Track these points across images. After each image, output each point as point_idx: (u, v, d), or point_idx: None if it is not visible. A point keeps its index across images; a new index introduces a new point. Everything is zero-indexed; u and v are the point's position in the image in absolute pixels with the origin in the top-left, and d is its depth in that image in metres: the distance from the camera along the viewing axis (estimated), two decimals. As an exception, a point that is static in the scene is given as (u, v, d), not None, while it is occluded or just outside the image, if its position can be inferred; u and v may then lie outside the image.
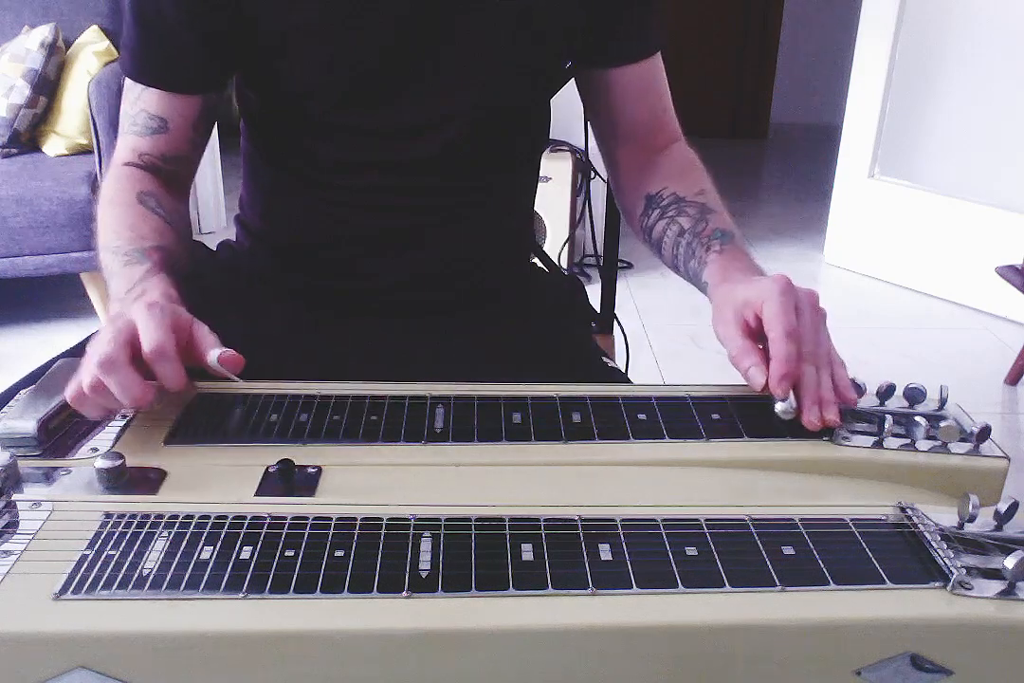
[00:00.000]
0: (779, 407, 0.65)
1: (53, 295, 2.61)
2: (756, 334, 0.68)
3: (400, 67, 0.82)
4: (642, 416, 0.68)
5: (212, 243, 1.02)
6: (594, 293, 1.28)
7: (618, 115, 0.93)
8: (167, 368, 0.63)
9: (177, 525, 0.53)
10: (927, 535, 0.53)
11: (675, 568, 0.50)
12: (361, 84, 0.82)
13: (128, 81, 0.86)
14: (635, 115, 0.93)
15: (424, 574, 0.49)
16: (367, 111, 0.84)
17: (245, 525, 0.53)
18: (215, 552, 0.51)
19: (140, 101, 0.85)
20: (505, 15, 0.82)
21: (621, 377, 0.91)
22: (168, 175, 0.88)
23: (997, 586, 0.50)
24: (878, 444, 0.64)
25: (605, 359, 0.93)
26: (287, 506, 0.55)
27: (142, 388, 0.62)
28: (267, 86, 0.87)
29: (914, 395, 0.68)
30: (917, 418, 0.64)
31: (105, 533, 0.52)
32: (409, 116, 0.84)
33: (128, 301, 0.71)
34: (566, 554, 0.51)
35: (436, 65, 0.82)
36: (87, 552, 0.50)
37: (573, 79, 0.94)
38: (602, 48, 0.89)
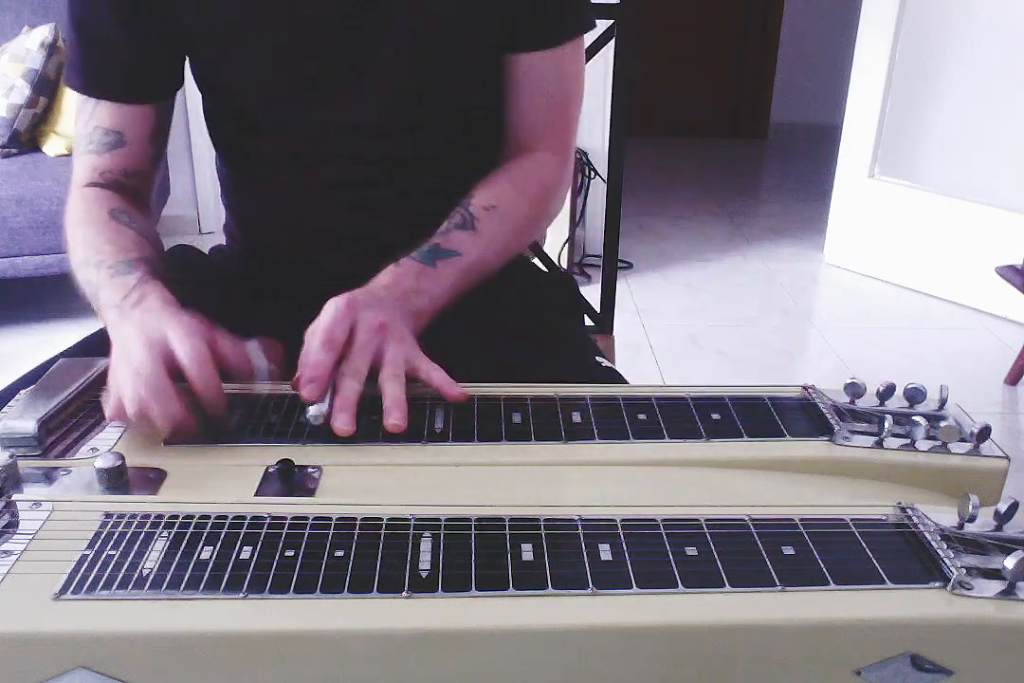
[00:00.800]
0: (310, 411, 0.65)
1: (53, 295, 2.60)
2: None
3: (342, 66, 0.83)
4: (642, 416, 0.68)
5: (213, 243, 1.03)
6: (594, 293, 1.28)
7: (505, 104, 0.90)
8: (212, 398, 0.65)
9: (177, 525, 0.53)
10: (927, 535, 0.53)
11: (675, 568, 0.50)
12: (305, 83, 0.84)
13: (79, 101, 0.87)
14: (516, 107, 0.89)
15: (424, 574, 0.49)
16: (315, 110, 0.85)
17: (245, 525, 0.53)
18: (215, 552, 0.51)
19: (94, 118, 0.86)
20: (444, 10, 0.82)
21: (615, 377, 0.91)
22: (131, 192, 0.89)
23: (997, 586, 0.50)
24: (878, 444, 0.64)
25: (599, 359, 0.93)
26: (287, 506, 0.55)
27: (184, 417, 0.63)
28: (212, 89, 0.88)
29: (914, 395, 0.68)
30: (917, 418, 0.64)
31: (105, 533, 0.52)
32: (357, 115, 0.85)
33: (126, 307, 0.72)
34: (566, 554, 0.51)
35: (378, 64, 0.83)
36: (87, 552, 0.50)
37: None
38: (503, 32, 0.86)
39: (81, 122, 0.87)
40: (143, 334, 0.66)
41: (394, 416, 0.64)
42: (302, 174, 0.89)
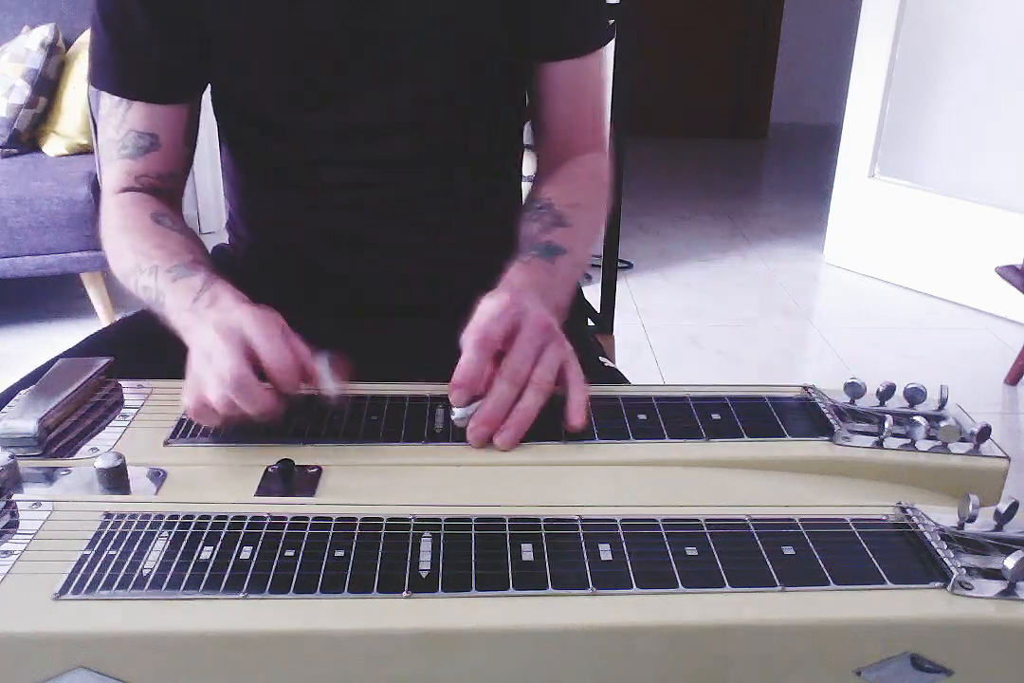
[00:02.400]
0: (455, 413, 0.64)
1: (53, 295, 2.61)
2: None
3: (340, 67, 0.83)
4: (642, 416, 0.68)
5: (212, 243, 1.03)
6: (594, 293, 1.28)
7: (542, 110, 0.92)
8: (288, 380, 0.64)
9: (177, 525, 0.53)
10: (927, 535, 0.53)
11: (675, 568, 0.50)
12: (305, 85, 0.84)
13: (108, 105, 0.86)
14: (557, 113, 0.92)
15: (424, 574, 0.49)
16: (318, 111, 0.85)
17: (245, 525, 0.53)
18: (215, 552, 0.51)
19: (126, 122, 0.85)
20: (443, 11, 0.82)
21: (618, 377, 0.91)
22: (166, 194, 0.88)
23: (997, 586, 0.50)
24: (878, 444, 0.64)
25: (602, 359, 0.93)
26: (287, 506, 0.55)
27: (272, 401, 0.62)
28: (225, 90, 0.88)
29: (914, 395, 0.68)
30: (917, 418, 0.64)
31: (105, 533, 0.52)
32: (358, 115, 0.85)
33: (200, 309, 0.70)
34: (566, 554, 0.51)
35: (375, 64, 0.83)
36: (87, 552, 0.50)
37: None
38: (534, 41, 0.88)
39: (111, 126, 0.86)
40: (221, 332, 0.65)
41: (505, 435, 0.62)
42: (305, 174, 0.89)
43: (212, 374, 0.62)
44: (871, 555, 0.52)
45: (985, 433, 0.64)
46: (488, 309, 0.65)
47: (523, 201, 0.93)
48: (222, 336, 0.64)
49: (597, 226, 0.90)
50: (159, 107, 0.85)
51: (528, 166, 1.03)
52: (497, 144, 0.95)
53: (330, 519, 0.53)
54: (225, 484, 0.60)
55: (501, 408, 0.63)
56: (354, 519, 0.53)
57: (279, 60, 0.83)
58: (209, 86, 0.90)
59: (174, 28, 0.82)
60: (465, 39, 0.85)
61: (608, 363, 0.92)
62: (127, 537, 0.52)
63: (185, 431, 0.65)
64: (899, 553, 0.52)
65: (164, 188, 0.88)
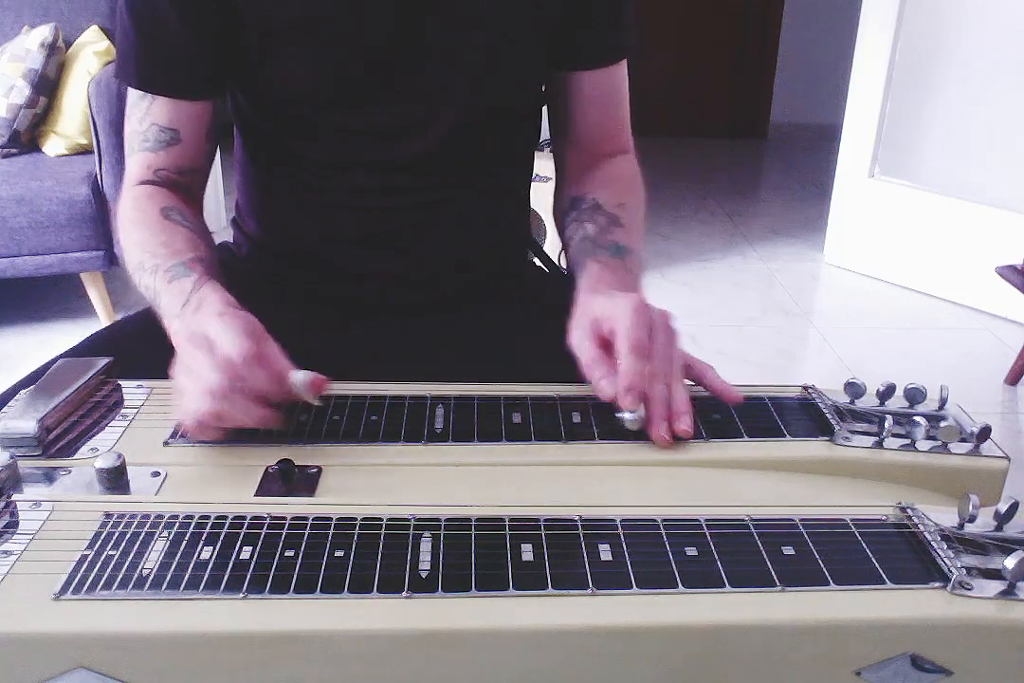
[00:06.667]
0: (626, 417, 0.65)
1: (53, 295, 2.61)
2: (609, 347, 0.70)
3: (385, 68, 0.82)
4: (642, 416, 0.68)
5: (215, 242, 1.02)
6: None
7: (572, 118, 0.94)
8: (257, 374, 0.62)
9: (177, 525, 0.53)
10: (927, 535, 0.53)
11: (675, 568, 0.50)
12: (347, 85, 0.83)
13: (133, 97, 0.86)
14: (588, 120, 0.94)
15: (424, 574, 0.49)
16: (353, 112, 0.84)
17: (245, 525, 0.53)
18: (215, 552, 0.51)
19: (149, 116, 0.85)
20: (490, 18, 0.82)
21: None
22: (184, 189, 0.88)
23: (997, 586, 0.50)
24: (878, 444, 0.64)
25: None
26: (287, 506, 0.55)
27: (262, 408, 0.62)
28: (254, 88, 0.86)
29: (914, 395, 0.68)
30: (917, 418, 0.64)
31: (105, 533, 0.52)
32: (395, 117, 0.84)
33: (187, 315, 0.70)
34: (566, 554, 0.51)
35: (421, 66, 0.82)
36: (87, 552, 0.50)
37: None
38: (567, 52, 0.89)
39: (135, 119, 0.86)
40: (194, 343, 0.64)
41: (685, 422, 0.65)
42: (326, 174, 0.87)
43: (194, 388, 0.62)
44: (871, 555, 0.52)
45: (985, 433, 0.64)
46: (625, 315, 0.69)
47: (562, 201, 0.95)
48: (195, 347, 0.63)
49: (643, 224, 0.92)
50: (182, 102, 0.84)
51: (538, 167, 1.04)
52: (519, 147, 0.95)
53: (330, 519, 0.53)
54: (225, 484, 0.60)
55: (678, 401, 0.66)
56: (354, 519, 0.53)
57: (325, 58, 0.81)
58: (233, 93, 0.90)
59: (203, 23, 0.80)
60: (513, 57, 0.85)
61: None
62: (127, 537, 0.52)
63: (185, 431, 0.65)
64: (899, 553, 0.52)
65: (182, 182, 0.88)
